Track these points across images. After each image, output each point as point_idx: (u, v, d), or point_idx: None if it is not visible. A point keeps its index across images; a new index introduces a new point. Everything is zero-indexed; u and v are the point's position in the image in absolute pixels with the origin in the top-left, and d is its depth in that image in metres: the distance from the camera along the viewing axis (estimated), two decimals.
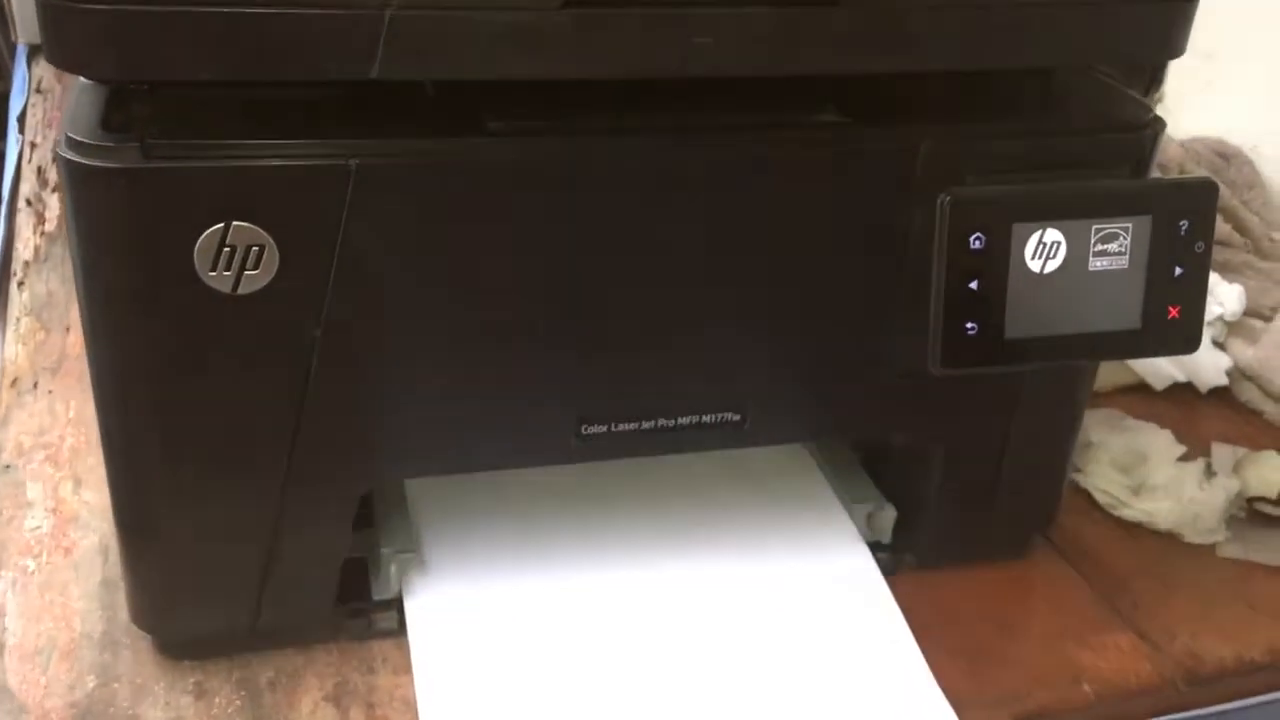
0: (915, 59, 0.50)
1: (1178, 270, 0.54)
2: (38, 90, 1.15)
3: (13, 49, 1.36)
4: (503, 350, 0.52)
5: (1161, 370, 0.82)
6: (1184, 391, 0.83)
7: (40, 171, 1.00)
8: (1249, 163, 0.97)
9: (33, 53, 1.21)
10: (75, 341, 0.79)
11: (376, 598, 0.58)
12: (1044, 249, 0.53)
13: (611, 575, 0.60)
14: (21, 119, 1.11)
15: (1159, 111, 1.03)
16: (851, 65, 0.49)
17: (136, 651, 0.56)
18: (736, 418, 0.56)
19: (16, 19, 1.21)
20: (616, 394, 0.54)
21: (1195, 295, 0.55)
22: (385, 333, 0.50)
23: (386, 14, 0.43)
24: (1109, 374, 0.81)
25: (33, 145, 1.05)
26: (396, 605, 0.57)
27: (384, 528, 0.59)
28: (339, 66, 0.44)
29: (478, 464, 0.56)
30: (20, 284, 0.85)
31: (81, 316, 0.48)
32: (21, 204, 0.96)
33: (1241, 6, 0.96)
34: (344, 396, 0.50)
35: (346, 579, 0.56)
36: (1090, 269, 0.53)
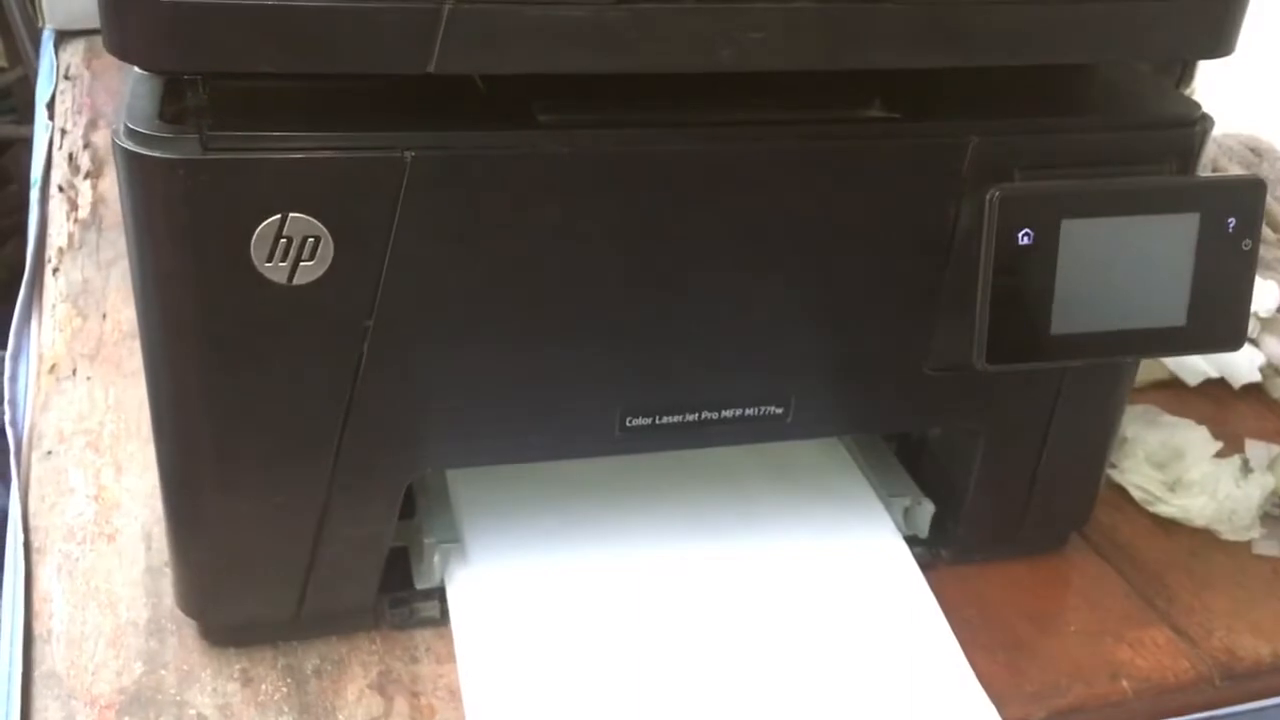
0: (964, 54, 0.49)
1: (1223, 268, 0.54)
2: (66, 76, 1.15)
3: (36, 36, 1.37)
4: (549, 342, 0.52)
5: (1195, 366, 0.82)
6: (1217, 387, 0.83)
7: (72, 158, 1.01)
8: None
9: (60, 39, 1.21)
10: (113, 328, 0.79)
11: (419, 586, 0.58)
12: (1090, 245, 0.53)
13: (650, 566, 0.60)
14: (50, 106, 1.12)
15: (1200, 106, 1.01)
16: (900, 60, 0.49)
17: (182, 638, 0.57)
18: (779, 411, 0.57)
19: (45, 6, 1.21)
20: (660, 387, 0.54)
21: (1240, 293, 0.55)
22: (435, 324, 0.50)
23: (445, 9, 0.43)
24: (1142, 369, 0.80)
25: (63, 132, 1.05)
26: (439, 594, 0.58)
27: (426, 518, 0.60)
28: (397, 61, 0.44)
29: (522, 455, 0.56)
30: (55, 271, 0.85)
31: (136, 304, 0.48)
32: (54, 190, 0.96)
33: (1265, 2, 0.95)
34: (393, 387, 0.51)
35: (389, 568, 0.57)
36: (1137, 266, 0.53)
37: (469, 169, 0.47)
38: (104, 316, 0.81)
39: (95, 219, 0.92)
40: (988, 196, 0.51)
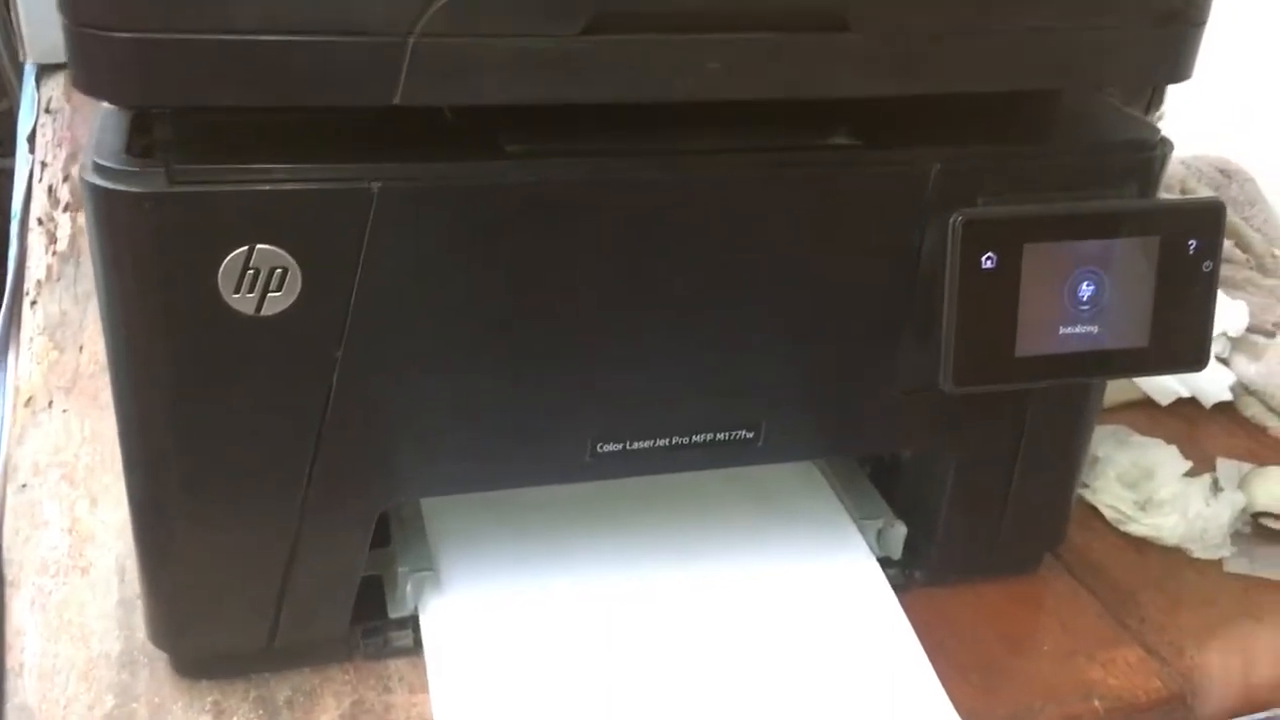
0: (926, 82, 0.50)
1: (1185, 289, 0.55)
2: (47, 110, 1.16)
3: (19, 67, 1.37)
4: (520, 370, 0.52)
5: (1166, 386, 0.83)
6: (1189, 407, 0.83)
7: (51, 191, 1.01)
8: (1250, 180, 0.98)
9: (42, 72, 1.22)
10: (89, 360, 0.79)
11: (392, 616, 0.58)
12: (1053, 268, 0.53)
13: (624, 592, 0.61)
14: (31, 138, 1.12)
15: (1161, 129, 1.04)
16: (861, 89, 0.50)
17: (154, 671, 0.57)
18: (749, 435, 0.57)
19: (26, 39, 1.22)
20: (631, 413, 0.55)
21: (1203, 314, 0.56)
22: (404, 354, 0.50)
23: (409, 41, 0.44)
24: (1114, 390, 0.81)
25: (43, 165, 1.06)
26: (412, 623, 0.58)
27: (400, 546, 0.60)
28: (363, 93, 0.44)
29: (494, 483, 0.56)
30: (33, 303, 0.85)
31: (105, 338, 0.49)
32: (33, 223, 0.96)
33: (1235, 26, 0.97)
34: (363, 417, 0.51)
35: (362, 597, 0.57)
36: (1099, 288, 0.54)
37: (436, 200, 0.48)
38: (80, 349, 0.81)
39: (74, 252, 0.92)
40: (951, 221, 0.52)
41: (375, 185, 0.46)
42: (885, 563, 0.64)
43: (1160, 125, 1.06)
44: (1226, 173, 0.99)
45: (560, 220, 0.50)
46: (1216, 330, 0.85)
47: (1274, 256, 0.95)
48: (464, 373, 0.52)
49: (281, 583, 0.54)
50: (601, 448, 0.55)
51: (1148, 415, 0.82)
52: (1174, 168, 0.97)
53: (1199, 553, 0.69)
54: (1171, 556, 0.69)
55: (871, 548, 0.64)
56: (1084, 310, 0.54)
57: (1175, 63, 0.53)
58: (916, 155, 0.53)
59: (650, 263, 0.51)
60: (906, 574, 0.65)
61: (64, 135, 1.10)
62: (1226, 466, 0.75)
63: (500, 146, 0.49)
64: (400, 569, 0.58)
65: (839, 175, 0.53)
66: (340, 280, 0.48)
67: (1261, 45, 0.99)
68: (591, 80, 0.46)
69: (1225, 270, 0.93)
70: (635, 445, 0.56)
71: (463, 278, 0.50)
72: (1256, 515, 0.71)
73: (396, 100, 0.45)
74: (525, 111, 0.48)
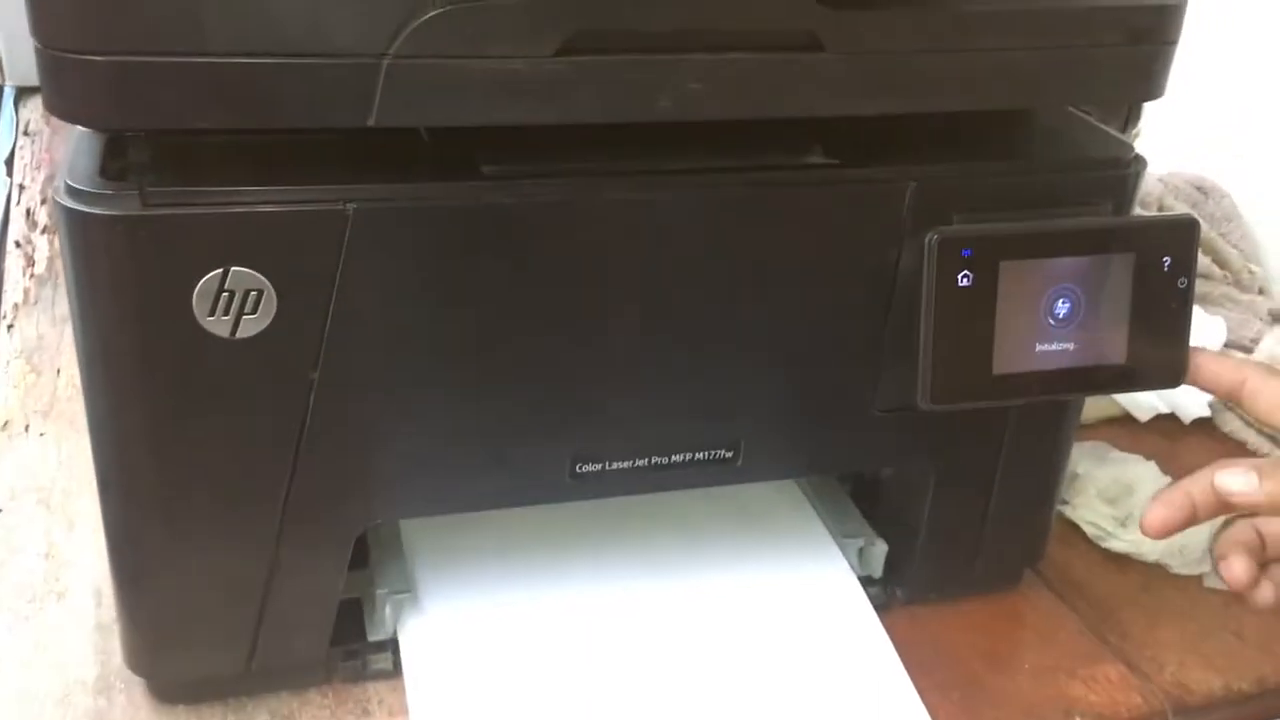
0: (900, 101, 0.51)
1: (1161, 306, 0.55)
2: (25, 133, 1.15)
3: None
4: (498, 391, 0.52)
5: (1145, 402, 0.83)
6: (1167, 422, 0.84)
7: (29, 214, 1.01)
8: (1227, 196, 0.99)
9: (20, 95, 1.22)
10: (66, 384, 0.79)
11: (371, 639, 0.58)
12: (1029, 285, 0.54)
13: (605, 612, 0.60)
14: (9, 161, 1.11)
15: (1136, 147, 1.05)
16: (837, 109, 0.50)
17: (131, 696, 0.56)
18: (729, 454, 0.57)
19: (4, 61, 1.22)
20: (610, 433, 0.55)
21: (1179, 330, 0.56)
22: (381, 375, 0.50)
23: (384, 63, 0.44)
24: (1093, 406, 0.82)
25: (21, 188, 1.05)
26: (391, 646, 0.58)
27: (378, 568, 0.59)
28: (337, 115, 0.44)
29: (473, 504, 0.56)
30: (10, 327, 0.85)
31: (79, 361, 0.48)
32: (10, 246, 0.96)
33: (1210, 44, 0.98)
34: (340, 439, 0.51)
35: (341, 620, 0.56)
36: (1076, 305, 0.54)
37: (411, 221, 0.48)
38: (58, 372, 0.80)
39: (51, 275, 0.92)
40: (926, 239, 0.52)
41: (350, 206, 0.46)
42: (866, 581, 0.64)
43: (1137, 143, 1.07)
44: (1203, 189, 0.99)
45: (537, 241, 0.50)
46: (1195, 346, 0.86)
47: (1251, 272, 0.96)
48: (441, 394, 0.51)
49: (259, 606, 0.53)
50: (581, 468, 0.55)
51: (1127, 431, 0.82)
52: (1151, 185, 0.98)
53: (1179, 568, 0.69)
54: (1152, 572, 0.69)
55: (852, 566, 0.64)
56: (1061, 328, 0.55)
57: (1148, 81, 0.54)
58: (892, 174, 0.53)
59: (628, 283, 0.51)
60: (888, 592, 0.65)
61: (42, 158, 1.10)
62: None
63: (477, 167, 0.49)
64: (379, 591, 0.58)
65: (815, 194, 0.53)
66: (316, 302, 0.47)
67: (1237, 63, 1.00)
68: (568, 101, 0.46)
69: (1203, 286, 0.94)
70: (615, 465, 0.55)
71: (439, 299, 0.50)
72: None
73: (371, 122, 0.45)
74: (503, 132, 0.48)
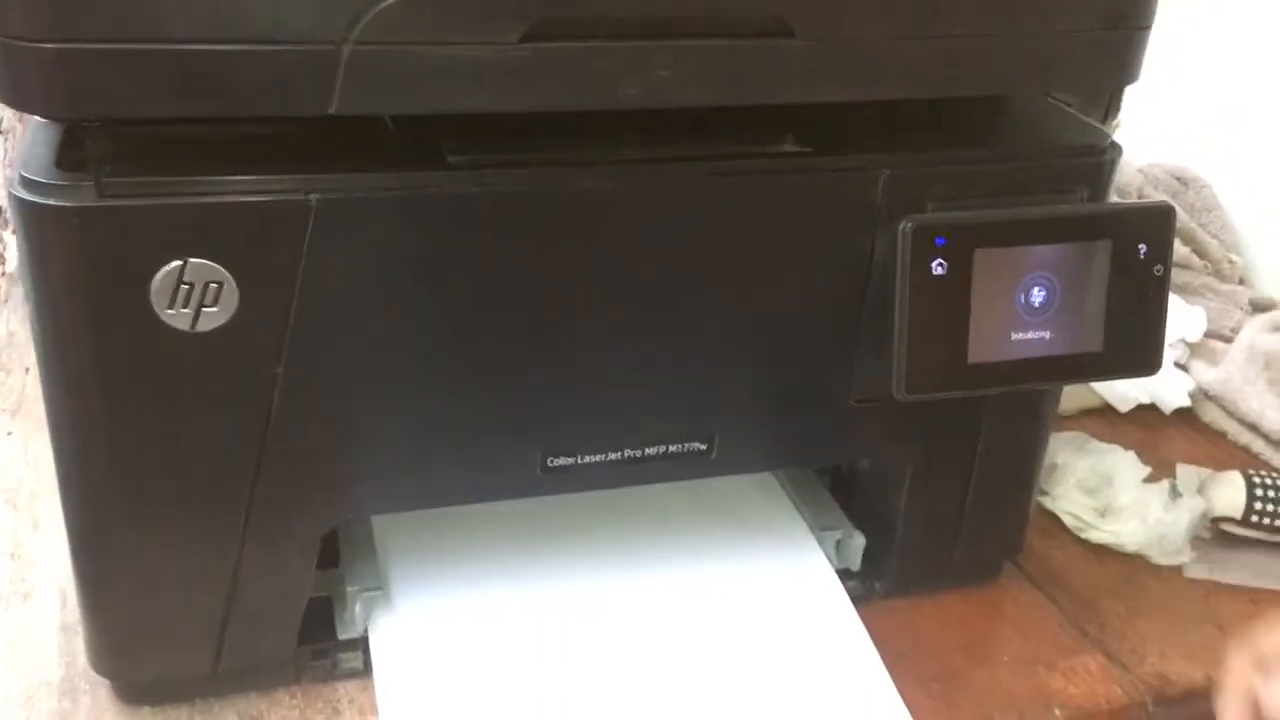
0: (871, 88, 0.50)
1: (1137, 293, 0.55)
2: None
3: None
4: (467, 384, 0.51)
5: (1125, 392, 0.83)
6: (1148, 413, 0.83)
7: (0, 211, 0.99)
8: (1207, 186, 0.99)
9: None
10: (35, 382, 0.77)
11: (341, 637, 0.57)
12: (1004, 274, 0.53)
13: (580, 608, 0.60)
14: None
15: (1116, 138, 1.04)
16: (807, 95, 0.49)
17: (96, 698, 0.55)
18: (703, 447, 0.56)
19: None
20: (581, 426, 0.54)
21: (1155, 318, 0.56)
22: (348, 369, 0.49)
23: (344, 49, 0.43)
24: (1073, 397, 0.81)
25: None
26: (362, 645, 0.57)
27: (349, 565, 0.58)
28: (296, 103, 0.44)
29: (443, 499, 0.55)
30: None
31: (37, 356, 0.47)
32: None
33: (1189, 34, 0.97)
34: (307, 434, 0.50)
35: (311, 618, 0.56)
36: (1051, 293, 0.54)
37: (377, 211, 0.47)
38: (27, 370, 0.79)
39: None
40: (900, 227, 0.51)
41: (313, 197, 0.45)
42: (844, 574, 0.63)
43: (1117, 134, 1.07)
44: (1183, 180, 0.99)
45: (505, 231, 0.49)
46: (1175, 336, 0.86)
47: (1231, 262, 0.96)
48: (410, 388, 0.51)
49: (225, 605, 0.52)
50: (552, 462, 0.54)
51: (1107, 422, 0.81)
52: (1130, 175, 0.98)
53: (1159, 559, 0.68)
54: (1132, 563, 0.69)
55: (830, 559, 0.64)
56: (1036, 316, 0.54)
57: (1122, 67, 0.53)
58: (865, 162, 0.52)
59: (598, 274, 0.51)
60: (866, 585, 0.64)
61: (14, 155, 1.08)
62: (1186, 472, 0.75)
63: (443, 156, 0.49)
64: (349, 589, 0.57)
65: (788, 183, 0.52)
66: (279, 294, 0.47)
67: (1216, 53, 0.99)
68: (534, 89, 0.46)
69: (1183, 276, 0.93)
70: (586, 459, 0.55)
71: (406, 291, 0.49)
72: (1216, 520, 0.70)
73: (332, 110, 0.44)
74: (471, 121, 0.47)
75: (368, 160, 0.47)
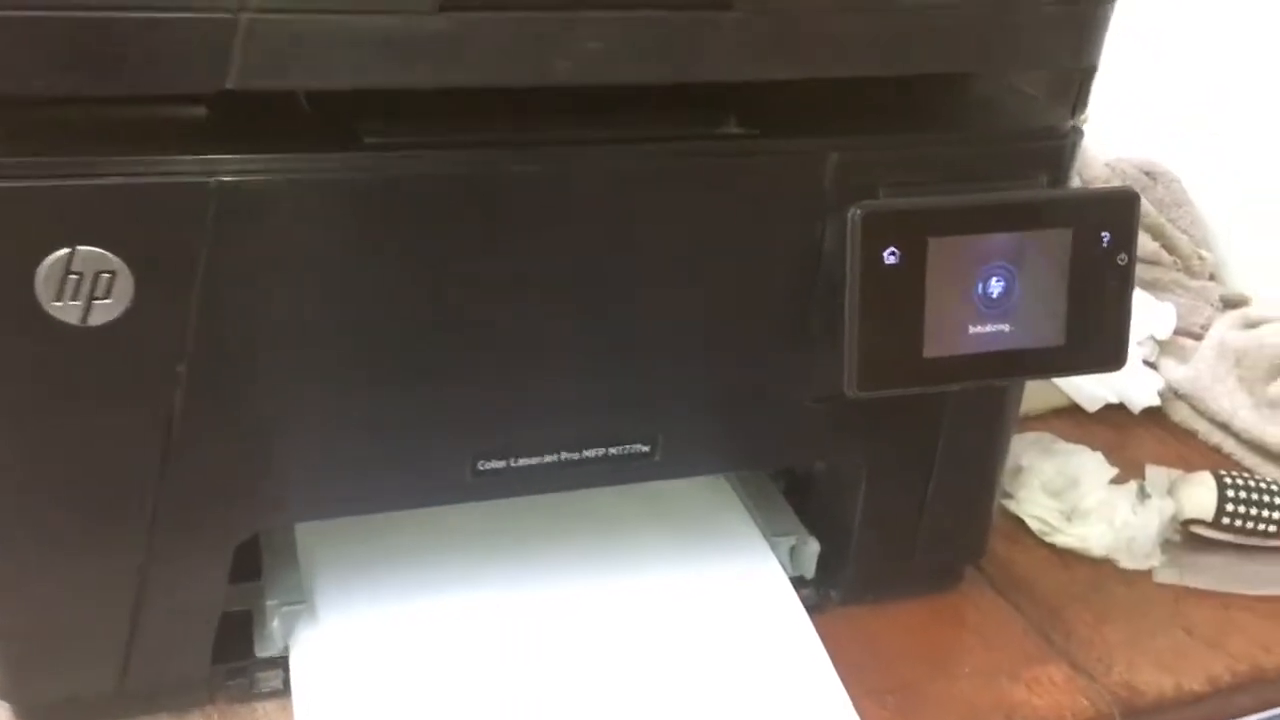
0: (815, 65, 0.47)
1: (1100, 284, 0.52)
2: None
3: None
4: (389, 381, 0.48)
5: (1093, 391, 0.80)
6: (1116, 413, 0.81)
7: None
8: (1176, 181, 0.97)
9: None
10: None
11: (260, 655, 0.53)
12: (960, 263, 0.50)
13: (518, 621, 0.56)
14: None
15: (1085, 131, 1.02)
16: (747, 72, 0.46)
17: None
18: (645, 449, 0.53)
19: None
20: (514, 426, 0.51)
21: (1120, 310, 0.53)
22: (258, 366, 0.46)
23: (242, 19, 0.40)
24: (1040, 396, 0.79)
25: None
26: (282, 663, 0.53)
27: (270, 578, 0.55)
28: (190, 78, 0.40)
29: (366, 506, 0.52)
30: None
31: None
32: None
33: (1161, 29, 0.95)
34: (214, 437, 0.46)
35: (230, 635, 0.52)
36: (1010, 283, 0.51)
37: (284, 196, 0.44)
38: None
39: None
40: (850, 214, 0.49)
41: (214, 180, 0.42)
42: (799, 582, 0.61)
43: (1085, 127, 1.04)
44: (1152, 174, 0.97)
45: (424, 217, 0.46)
46: (1144, 334, 0.83)
47: (1201, 258, 0.93)
48: (326, 386, 0.47)
49: (130, 621, 0.49)
50: (483, 465, 0.51)
51: (1075, 422, 0.79)
52: (1098, 170, 0.95)
53: (1127, 563, 0.66)
54: (1099, 568, 0.66)
55: (784, 566, 0.61)
56: (994, 308, 0.51)
57: (1081, 44, 0.51)
58: (812, 145, 0.49)
59: (527, 263, 0.47)
60: (821, 593, 0.61)
61: None
62: (1155, 473, 0.72)
63: (359, 137, 0.45)
64: (268, 603, 0.53)
65: (730, 166, 0.49)
66: (178, 286, 0.43)
67: (1185, 46, 0.97)
68: (451, 63, 0.43)
69: (1153, 272, 0.91)
70: (520, 462, 0.51)
71: (319, 282, 0.45)
72: (1186, 523, 0.68)
73: (230, 85, 0.41)
74: (396, 100, 0.44)
75: (276, 142, 0.44)
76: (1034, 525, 0.68)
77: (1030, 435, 0.72)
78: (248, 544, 0.51)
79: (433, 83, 0.43)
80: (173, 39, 0.39)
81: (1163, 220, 0.94)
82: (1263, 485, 0.67)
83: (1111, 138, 0.97)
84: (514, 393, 0.50)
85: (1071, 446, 0.71)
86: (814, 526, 0.62)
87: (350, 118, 0.46)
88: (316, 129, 0.45)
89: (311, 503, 0.50)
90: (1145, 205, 0.94)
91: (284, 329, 0.46)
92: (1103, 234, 0.52)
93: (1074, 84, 0.55)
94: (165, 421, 0.45)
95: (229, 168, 0.42)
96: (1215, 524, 0.67)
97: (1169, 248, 0.93)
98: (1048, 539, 0.67)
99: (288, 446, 0.48)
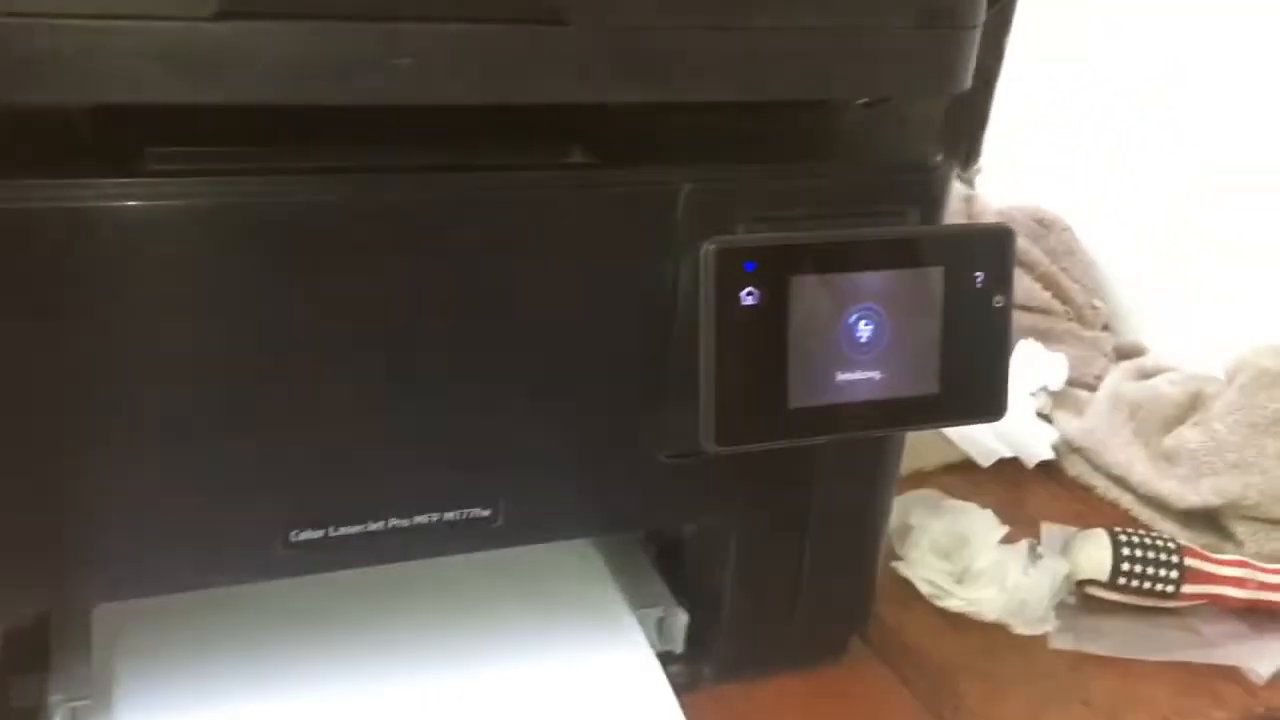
0: (659, 88, 0.43)
1: (976, 328, 0.49)
2: None
3: None
4: (181, 440, 0.42)
5: (986, 445, 0.77)
6: (1011, 467, 0.78)
7: None
8: (1068, 229, 0.95)
9: None
10: None
11: None
12: (825, 304, 0.46)
13: (356, 712, 0.50)
14: None
15: (978, 182, 0.99)
16: (585, 94, 0.42)
17: None
18: (485, 513, 0.48)
19: None
20: (331, 491, 0.45)
21: (997, 356, 0.50)
22: (24, 423, 0.40)
23: None
24: (932, 452, 0.75)
25: None
26: None
27: (57, 670, 0.48)
28: None
29: (161, 585, 0.46)
30: None
31: None
32: None
33: (1054, 80, 0.94)
34: None
35: None
36: (880, 326, 0.47)
37: (53, 225, 0.38)
38: None
39: None
40: (703, 250, 0.44)
41: None
42: (667, 658, 0.55)
43: (979, 178, 1.01)
44: (1043, 222, 0.95)
45: (216, 252, 0.40)
46: (1036, 385, 0.81)
47: (1094, 308, 0.91)
48: (103, 445, 0.41)
49: None
50: (296, 536, 0.45)
51: (968, 478, 0.75)
52: (989, 218, 0.93)
53: (1020, 628, 0.61)
54: (992, 633, 0.62)
55: (651, 641, 0.55)
56: (864, 353, 0.47)
57: (946, 70, 0.47)
58: (662, 175, 0.45)
59: (338, 306, 0.42)
60: (692, 670, 0.56)
61: None
62: (1050, 531, 0.69)
63: (145, 162, 0.40)
64: (52, 699, 0.46)
65: (573, 199, 0.45)
66: None
67: (1078, 96, 0.96)
68: (237, 76, 0.37)
69: (1045, 322, 0.89)
70: (339, 531, 0.46)
71: (94, 323, 0.40)
72: (1081, 583, 0.64)
73: None
74: (184, 119, 0.39)
75: (43, 165, 0.38)
76: (924, 589, 0.63)
77: (918, 493, 0.68)
78: (28, 629, 0.45)
79: (213, 98, 0.38)
80: None
81: (1055, 269, 0.92)
82: (1159, 543, 0.64)
83: (1005, 189, 0.96)
84: (330, 453, 0.44)
85: (960, 504, 0.67)
86: (684, 596, 0.57)
87: (136, 140, 0.40)
88: (98, 152, 0.40)
89: (93, 583, 0.44)
90: (1037, 254, 0.92)
91: (55, 379, 0.40)
92: (977, 274, 0.48)
93: (951, 116, 0.52)
94: None
95: None
96: (1111, 584, 0.63)
97: (1062, 297, 0.91)
98: (939, 603, 0.63)
99: (69, 517, 0.42)
